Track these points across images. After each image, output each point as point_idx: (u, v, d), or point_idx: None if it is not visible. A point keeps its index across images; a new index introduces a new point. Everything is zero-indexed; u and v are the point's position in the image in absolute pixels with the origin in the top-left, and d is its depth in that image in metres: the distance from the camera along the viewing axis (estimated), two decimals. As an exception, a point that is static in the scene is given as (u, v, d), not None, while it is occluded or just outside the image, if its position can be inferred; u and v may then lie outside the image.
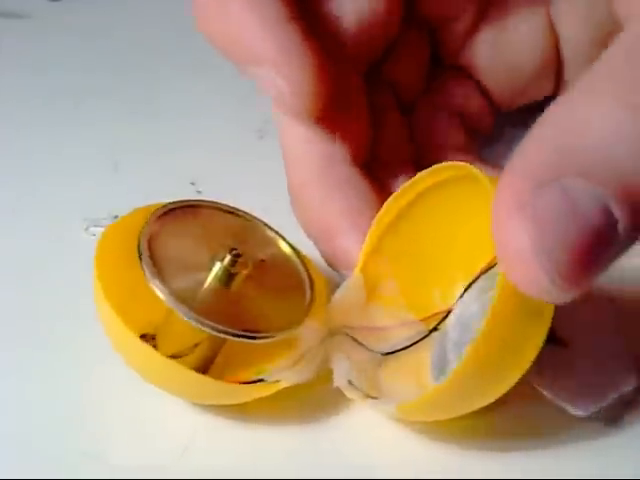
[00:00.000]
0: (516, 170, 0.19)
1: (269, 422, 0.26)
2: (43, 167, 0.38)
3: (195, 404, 0.26)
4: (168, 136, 0.40)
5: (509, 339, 0.21)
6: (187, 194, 0.35)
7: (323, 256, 0.27)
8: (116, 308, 0.24)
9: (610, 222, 0.18)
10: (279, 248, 0.27)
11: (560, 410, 0.25)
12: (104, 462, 0.24)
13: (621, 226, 0.18)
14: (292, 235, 0.28)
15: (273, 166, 0.38)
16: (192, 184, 0.36)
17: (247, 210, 0.28)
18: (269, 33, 0.24)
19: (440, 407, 0.23)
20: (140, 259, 0.24)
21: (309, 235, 0.28)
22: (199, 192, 0.36)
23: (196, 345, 0.25)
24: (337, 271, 0.27)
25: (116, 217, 0.34)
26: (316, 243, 0.28)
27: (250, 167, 0.38)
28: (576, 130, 0.19)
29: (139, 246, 0.24)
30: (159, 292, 0.24)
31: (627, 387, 0.23)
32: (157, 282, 0.24)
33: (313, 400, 0.26)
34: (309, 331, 0.25)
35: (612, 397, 0.23)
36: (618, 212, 0.18)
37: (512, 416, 0.26)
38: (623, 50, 0.20)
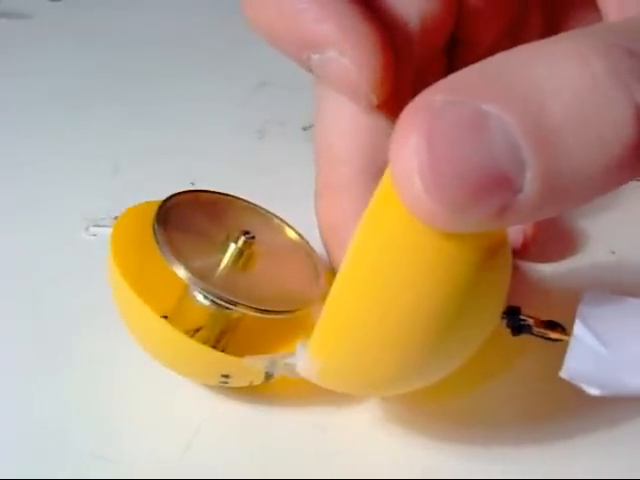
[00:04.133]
0: (438, 83, 0.17)
1: (270, 421, 0.26)
2: (43, 167, 0.38)
3: (198, 402, 0.26)
4: (168, 136, 0.40)
5: (391, 250, 0.20)
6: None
7: (333, 266, 0.27)
8: (134, 288, 0.24)
9: (516, 166, 0.17)
10: (288, 235, 0.28)
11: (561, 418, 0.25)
12: (108, 459, 0.24)
13: (529, 180, 0.17)
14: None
15: (273, 166, 0.38)
16: (192, 184, 0.36)
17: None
18: (328, 14, 0.24)
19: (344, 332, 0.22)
20: (157, 242, 0.24)
21: (326, 240, 0.27)
22: (199, 192, 0.36)
23: (198, 329, 0.25)
24: None
25: (116, 218, 0.34)
26: (330, 249, 0.27)
27: (250, 167, 0.38)
28: (519, 70, 0.17)
29: (154, 230, 0.25)
30: (178, 271, 0.24)
31: None
32: (176, 262, 0.24)
33: (313, 401, 0.26)
34: (316, 317, 0.25)
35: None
36: (530, 162, 0.17)
37: (512, 417, 0.26)
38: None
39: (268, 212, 0.28)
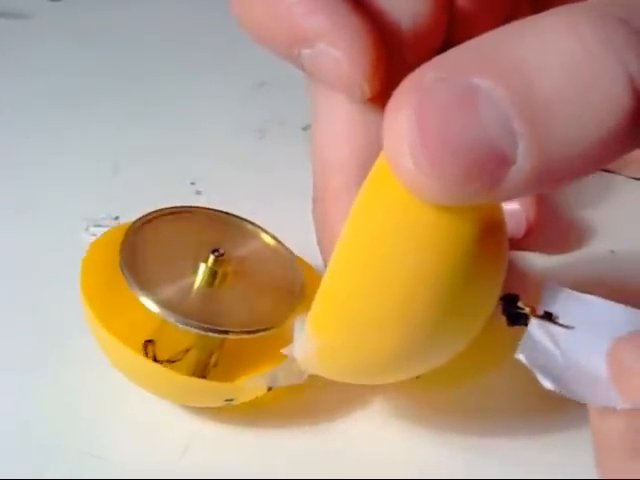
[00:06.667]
0: (429, 62, 0.18)
1: (269, 423, 0.26)
2: (44, 167, 0.38)
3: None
4: (168, 136, 0.40)
5: (387, 225, 0.20)
6: (187, 194, 0.36)
7: None
8: (106, 322, 0.24)
9: (508, 138, 0.16)
10: (263, 241, 0.27)
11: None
12: (106, 461, 0.24)
13: (522, 153, 0.17)
14: (291, 234, 0.28)
15: (273, 166, 0.38)
16: (192, 184, 0.36)
17: (247, 210, 0.28)
18: (318, 8, 0.24)
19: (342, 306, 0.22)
20: (124, 276, 0.24)
21: (322, 246, 0.27)
22: (199, 192, 0.36)
23: (187, 350, 0.26)
24: None
25: (116, 218, 0.34)
26: (325, 255, 0.27)
27: (250, 167, 0.38)
28: (509, 44, 0.17)
29: (121, 264, 0.24)
30: (147, 304, 0.24)
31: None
32: (144, 295, 0.24)
33: (313, 401, 0.26)
34: (300, 324, 0.25)
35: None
36: (522, 134, 0.16)
37: (511, 417, 0.26)
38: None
39: (239, 218, 0.28)
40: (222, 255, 0.25)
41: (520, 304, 0.23)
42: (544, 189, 0.18)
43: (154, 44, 0.49)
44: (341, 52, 0.24)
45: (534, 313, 0.22)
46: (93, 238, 0.26)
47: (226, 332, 0.24)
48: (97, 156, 0.39)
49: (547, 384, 0.20)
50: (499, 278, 0.22)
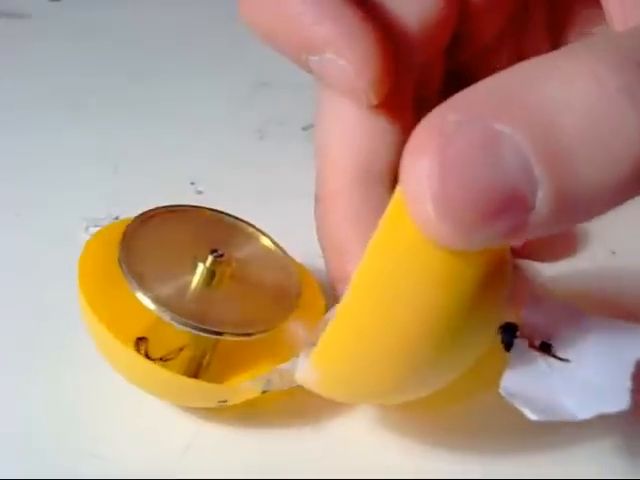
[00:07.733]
0: (449, 102, 0.17)
1: (270, 424, 0.26)
2: (43, 167, 0.38)
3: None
4: (168, 136, 0.40)
5: (401, 267, 0.20)
6: (187, 194, 0.36)
7: (328, 270, 0.27)
8: (102, 318, 0.24)
9: (529, 185, 0.17)
10: (261, 244, 0.27)
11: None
12: (106, 461, 0.24)
13: (541, 199, 0.17)
14: (291, 234, 0.28)
15: (273, 166, 0.38)
16: (192, 184, 0.37)
17: (246, 210, 0.28)
18: (326, 17, 0.24)
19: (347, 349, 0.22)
20: (122, 271, 0.24)
21: (322, 245, 0.27)
22: (199, 192, 0.36)
23: (181, 349, 0.25)
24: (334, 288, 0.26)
25: (116, 218, 0.34)
26: (325, 253, 0.27)
27: (250, 167, 0.38)
28: (531, 88, 0.17)
29: (119, 258, 0.24)
30: (144, 301, 0.24)
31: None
32: (141, 291, 0.24)
33: (313, 402, 0.26)
34: (296, 327, 0.25)
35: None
36: (542, 181, 0.17)
37: (505, 424, 0.26)
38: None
39: (238, 219, 0.27)
40: (221, 256, 0.25)
41: (518, 334, 0.23)
42: (559, 230, 0.18)
43: (154, 44, 0.49)
44: (347, 62, 0.24)
45: (532, 345, 0.23)
46: (92, 238, 0.26)
47: (220, 333, 0.24)
48: (97, 156, 0.39)
49: (533, 416, 0.20)
50: (502, 311, 0.22)
